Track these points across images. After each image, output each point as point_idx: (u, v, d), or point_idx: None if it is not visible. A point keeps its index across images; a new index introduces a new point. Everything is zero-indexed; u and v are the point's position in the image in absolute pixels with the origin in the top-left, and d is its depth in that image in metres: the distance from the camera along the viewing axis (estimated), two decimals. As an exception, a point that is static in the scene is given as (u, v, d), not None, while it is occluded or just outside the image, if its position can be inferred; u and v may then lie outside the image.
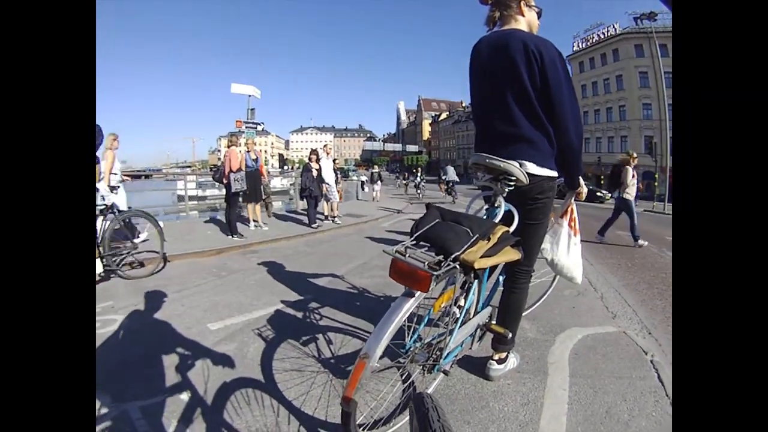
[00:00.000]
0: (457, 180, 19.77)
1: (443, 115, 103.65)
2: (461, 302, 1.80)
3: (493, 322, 2.19)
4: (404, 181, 24.39)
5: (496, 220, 1.87)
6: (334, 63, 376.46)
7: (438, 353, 1.76)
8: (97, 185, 5.78)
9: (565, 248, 2.45)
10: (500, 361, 2.31)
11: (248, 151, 8.14)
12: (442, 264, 1.42)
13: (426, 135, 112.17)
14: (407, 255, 1.47)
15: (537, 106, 1.88)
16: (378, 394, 2.10)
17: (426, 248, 1.53)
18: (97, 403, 2.01)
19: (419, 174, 21.46)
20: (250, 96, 15.57)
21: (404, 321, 1.52)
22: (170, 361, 2.53)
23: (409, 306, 1.49)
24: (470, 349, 2.20)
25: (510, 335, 2.07)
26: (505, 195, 1.91)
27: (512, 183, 1.88)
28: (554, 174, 2.00)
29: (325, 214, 9.96)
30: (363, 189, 22.05)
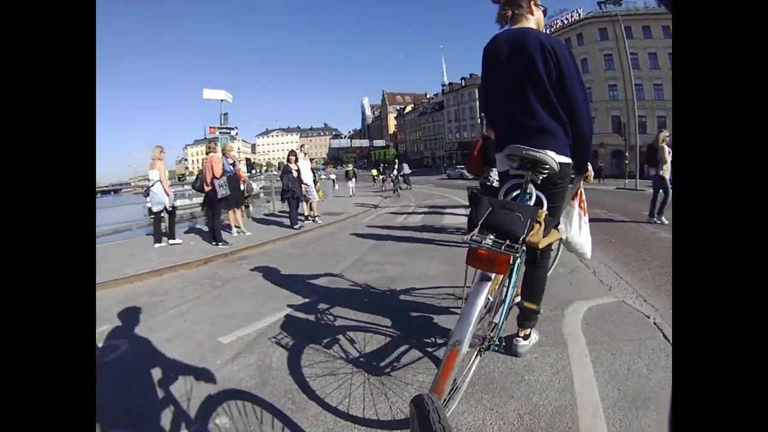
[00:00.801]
0: (410, 173, 23.45)
1: (408, 108, 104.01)
2: (507, 282, 1.90)
3: (517, 299, 2.30)
4: (381, 176, 24.02)
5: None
6: (296, 63, 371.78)
7: (491, 334, 1.85)
8: (153, 189, 7.16)
9: (578, 227, 2.58)
10: (525, 337, 2.44)
11: (225, 156, 8.00)
12: (516, 247, 1.52)
13: (392, 129, 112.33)
14: (483, 242, 1.56)
15: (554, 100, 2.02)
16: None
17: (490, 235, 1.62)
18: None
19: (396, 167, 21.26)
20: (222, 101, 15.31)
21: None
22: (191, 385, 2.37)
23: (488, 289, 1.60)
24: None
25: (540, 311, 2.25)
26: (539, 182, 2.01)
27: (546, 171, 1.98)
28: (569, 161, 2.13)
29: (305, 214, 9.90)
30: (335, 187, 22.51)
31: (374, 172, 32.24)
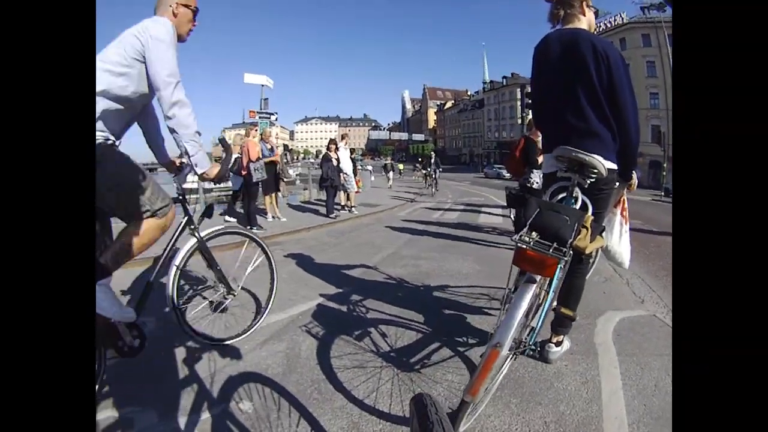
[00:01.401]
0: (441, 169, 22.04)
1: (448, 104, 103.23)
2: (547, 286, 1.88)
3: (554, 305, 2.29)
4: (423, 171, 22.52)
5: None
6: (339, 52, 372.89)
7: (527, 338, 1.86)
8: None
9: (618, 235, 2.55)
10: (558, 344, 2.42)
11: (264, 141, 8.10)
12: (564, 250, 1.52)
13: (431, 124, 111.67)
14: (532, 244, 1.56)
15: (604, 104, 2.00)
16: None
17: (537, 236, 1.61)
18: (152, 421, 1.90)
19: (432, 161, 19.32)
20: (263, 86, 15.37)
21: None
22: (217, 366, 2.39)
23: (533, 292, 1.60)
24: None
25: (576, 318, 2.25)
26: (586, 186, 1.98)
27: (594, 175, 1.95)
28: (615, 167, 2.09)
29: (342, 204, 10.01)
30: (371, 178, 22.44)
31: (401, 166, 34.96)
